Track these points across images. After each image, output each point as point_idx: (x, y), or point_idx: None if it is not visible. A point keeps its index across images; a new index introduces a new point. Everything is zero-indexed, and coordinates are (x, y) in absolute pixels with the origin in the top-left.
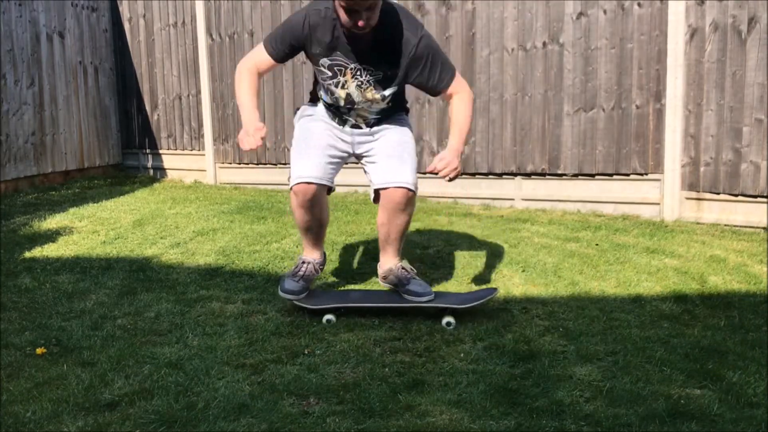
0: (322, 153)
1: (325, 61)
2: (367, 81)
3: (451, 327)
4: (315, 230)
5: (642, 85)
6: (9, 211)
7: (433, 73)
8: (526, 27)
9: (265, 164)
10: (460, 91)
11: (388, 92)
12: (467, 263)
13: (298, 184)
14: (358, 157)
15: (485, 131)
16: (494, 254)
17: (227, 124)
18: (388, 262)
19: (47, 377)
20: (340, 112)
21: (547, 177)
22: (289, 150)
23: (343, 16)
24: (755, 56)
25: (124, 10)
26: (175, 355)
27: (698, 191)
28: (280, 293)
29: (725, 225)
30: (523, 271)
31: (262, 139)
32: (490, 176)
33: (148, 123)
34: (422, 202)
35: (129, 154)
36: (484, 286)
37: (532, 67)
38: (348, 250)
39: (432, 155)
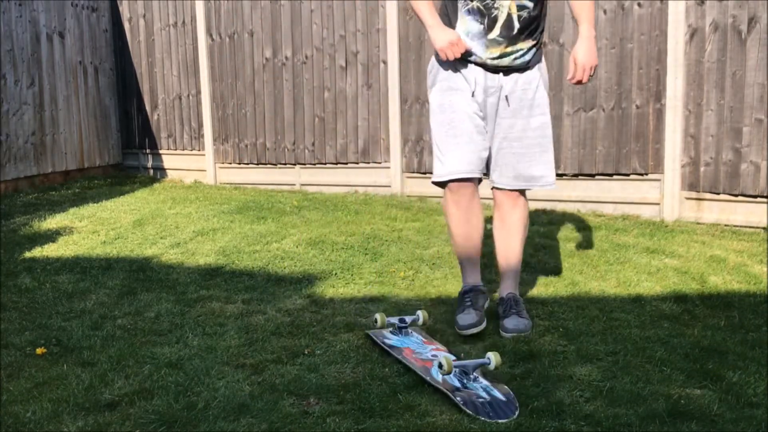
0: (471, 140)
1: None
2: None
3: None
4: (473, 233)
5: (642, 85)
6: (9, 211)
7: None
8: None
9: (265, 164)
10: None
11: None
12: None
13: (452, 184)
14: (489, 134)
15: None
16: (493, 254)
17: (227, 125)
18: (506, 287)
19: (47, 377)
20: (484, 14)
21: None
22: (288, 150)
23: None
24: (755, 56)
25: (124, 10)
26: (175, 355)
27: (698, 191)
28: (459, 331)
29: (725, 225)
30: (523, 270)
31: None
32: None
33: (148, 123)
34: (422, 201)
35: (129, 154)
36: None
37: None
38: (348, 251)
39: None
